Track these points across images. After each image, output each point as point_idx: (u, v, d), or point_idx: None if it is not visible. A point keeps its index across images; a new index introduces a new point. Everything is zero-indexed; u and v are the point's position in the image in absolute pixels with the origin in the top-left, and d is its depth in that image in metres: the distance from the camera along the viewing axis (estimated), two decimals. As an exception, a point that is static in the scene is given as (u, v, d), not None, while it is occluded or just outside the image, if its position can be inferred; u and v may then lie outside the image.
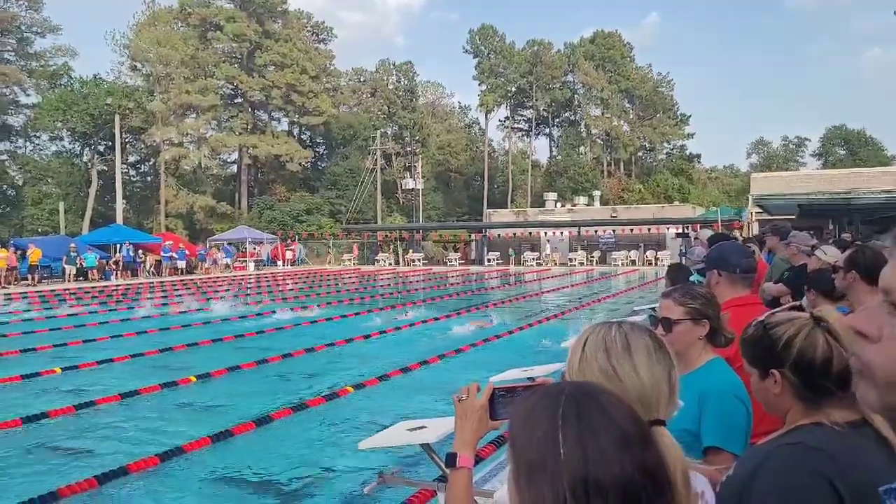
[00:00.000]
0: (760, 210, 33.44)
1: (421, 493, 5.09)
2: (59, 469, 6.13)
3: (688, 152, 72.57)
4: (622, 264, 38.88)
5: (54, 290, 26.02)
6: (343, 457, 6.50)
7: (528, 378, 6.62)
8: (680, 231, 40.94)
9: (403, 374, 9.95)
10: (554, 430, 1.00)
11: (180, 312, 18.10)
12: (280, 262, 41.90)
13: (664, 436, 1.33)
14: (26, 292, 25.40)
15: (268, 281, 30.87)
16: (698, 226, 22.46)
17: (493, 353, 11.63)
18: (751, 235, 26.13)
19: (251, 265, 39.48)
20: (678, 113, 70.39)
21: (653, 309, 10.55)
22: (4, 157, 51.72)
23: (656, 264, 38.56)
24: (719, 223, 25.62)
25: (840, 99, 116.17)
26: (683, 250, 39.56)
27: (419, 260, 42.33)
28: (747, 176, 67.51)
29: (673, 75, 72.58)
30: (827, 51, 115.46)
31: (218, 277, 33.53)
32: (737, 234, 25.31)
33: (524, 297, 22.35)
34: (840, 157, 70.04)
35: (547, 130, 70.31)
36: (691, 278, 6.20)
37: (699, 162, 74.44)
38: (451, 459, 1.66)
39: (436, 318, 15.99)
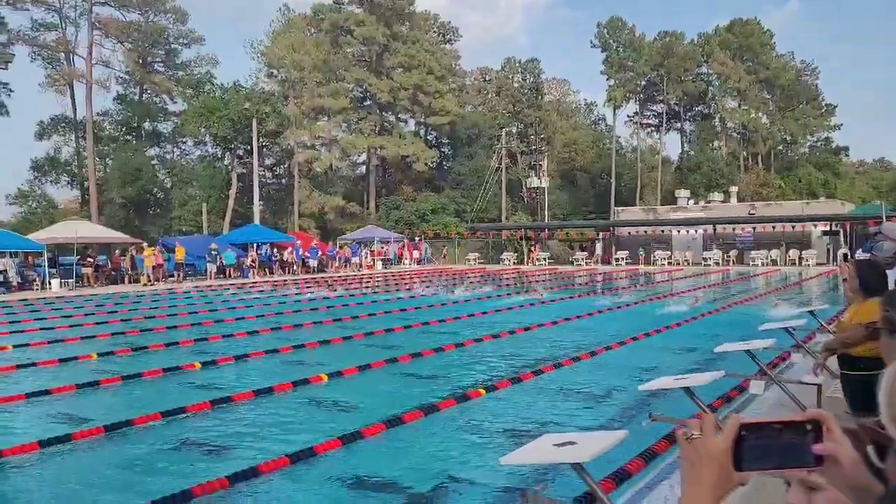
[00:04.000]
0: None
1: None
2: (194, 466, 6.10)
3: (834, 145, 67.36)
4: (762, 264, 36.43)
5: (197, 287, 27.44)
6: (475, 466, 6.10)
7: (685, 388, 5.95)
8: (828, 228, 38.07)
9: (536, 378, 9.45)
10: None
11: (311, 310, 18.43)
12: (407, 261, 42.38)
13: None
14: (172, 288, 26.94)
15: (395, 279, 31.20)
16: (873, 222, 20.28)
17: (632, 357, 10.90)
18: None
19: (378, 264, 40.17)
20: (823, 103, 65.42)
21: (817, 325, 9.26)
22: (155, 161, 55.57)
23: (800, 264, 35.91)
24: (884, 218, 23.22)
25: None
26: (831, 248, 36.67)
27: (545, 259, 41.54)
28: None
29: (818, 63, 67.56)
30: None
31: (348, 276, 34.29)
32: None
33: (657, 298, 21.18)
34: None
35: (678, 125, 67.38)
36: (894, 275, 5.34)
37: (846, 155, 68.92)
38: None
39: (567, 319, 15.36)
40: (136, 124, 55.50)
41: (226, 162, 55.81)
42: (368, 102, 58.45)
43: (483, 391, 8.47)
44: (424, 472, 5.92)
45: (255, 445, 6.65)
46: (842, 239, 37.01)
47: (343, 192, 58.03)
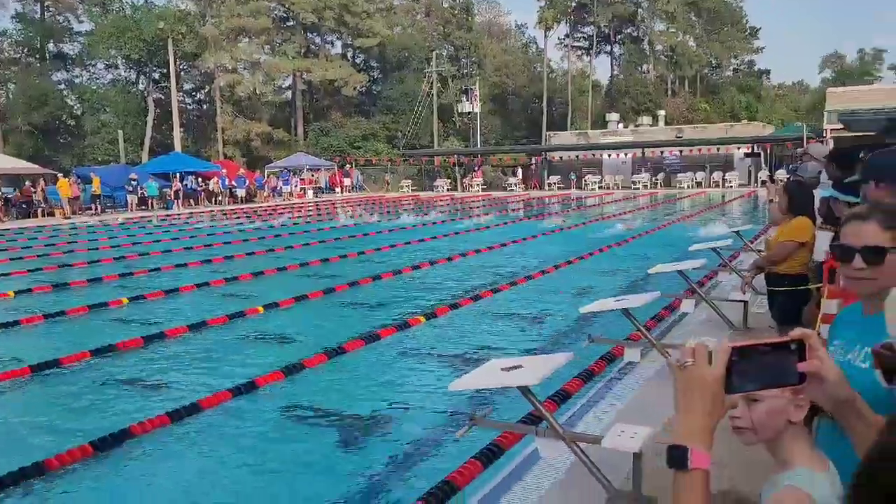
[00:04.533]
0: (839, 127, 31.48)
1: (507, 435, 4.67)
2: (130, 404, 5.91)
3: (756, 68, 69.00)
4: (688, 187, 37.48)
5: (118, 220, 26.37)
6: (418, 392, 6.14)
7: (623, 309, 6.06)
8: (750, 151, 39.26)
9: (475, 303, 9.52)
10: None
11: (243, 241, 17.99)
12: (338, 189, 41.71)
13: None
14: (91, 222, 25.81)
15: (327, 208, 30.73)
16: (791, 143, 20.95)
17: (568, 280, 11.09)
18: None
19: (309, 193, 39.41)
20: (747, 25, 66.48)
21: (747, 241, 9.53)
22: (62, 86, 52.24)
23: (724, 186, 37.08)
24: (804, 139, 24.06)
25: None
26: (752, 170, 37.93)
27: (478, 185, 41.56)
28: (817, 92, 63.77)
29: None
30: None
31: (278, 205, 33.56)
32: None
33: (590, 222, 21.54)
34: (921, 70, 65.51)
35: (608, 48, 67.38)
36: (823, 194, 5.47)
37: (768, 78, 70.77)
38: (678, 456, 1.13)
39: (503, 244, 15.47)
40: (39, 46, 51.72)
41: (140, 87, 52.95)
42: (292, 23, 56.00)
43: (423, 318, 8.48)
44: (369, 400, 5.91)
45: (193, 381, 6.49)
46: (762, 161, 38.26)
47: (269, 118, 56.16)
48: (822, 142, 18.81)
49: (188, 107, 56.80)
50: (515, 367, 4.23)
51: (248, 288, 11.23)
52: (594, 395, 5.57)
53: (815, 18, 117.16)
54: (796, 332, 1.18)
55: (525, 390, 4.05)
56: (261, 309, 9.18)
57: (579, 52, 67.81)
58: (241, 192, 35.18)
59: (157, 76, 51.29)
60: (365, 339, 7.51)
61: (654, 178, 39.18)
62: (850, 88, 40.73)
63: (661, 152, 40.70)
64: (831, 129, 33.32)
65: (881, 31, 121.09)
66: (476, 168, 44.03)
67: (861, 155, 5.88)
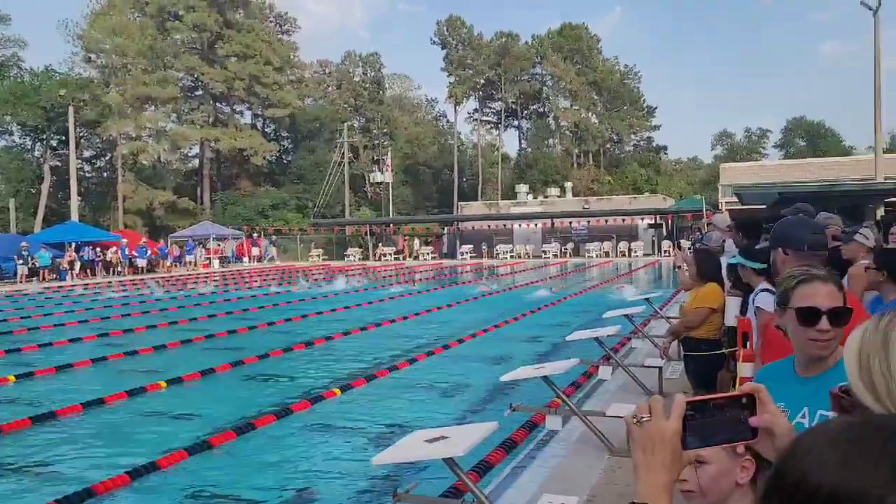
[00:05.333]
0: (733, 200, 33.48)
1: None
2: (14, 492, 5.32)
3: (654, 144, 73.06)
4: (596, 256, 38.66)
5: (4, 292, 24.71)
6: (336, 469, 5.82)
7: (544, 377, 6.00)
8: (653, 221, 41.12)
9: (391, 374, 9.27)
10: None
11: (143, 313, 17.10)
12: (246, 259, 40.71)
13: None
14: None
15: (234, 279, 29.85)
16: (710, 213, 21.98)
17: (485, 348, 11.02)
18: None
19: (216, 262, 38.29)
20: (644, 105, 70.64)
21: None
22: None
23: (629, 255, 38.45)
24: (704, 211, 25.39)
25: (800, 91, 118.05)
26: (655, 240, 39.63)
27: (390, 254, 41.53)
28: (710, 167, 68.06)
29: (639, 68, 72.69)
30: (786, 43, 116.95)
31: (181, 276, 32.34)
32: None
33: (503, 290, 21.73)
34: (801, 148, 71.00)
35: (516, 123, 70.02)
36: (730, 260, 5.67)
37: (666, 153, 75.01)
38: None
39: (416, 313, 15.32)
40: (-74, 110, 48.99)
41: (36, 153, 50.77)
42: (200, 92, 55.48)
43: (338, 391, 8.17)
44: (283, 479, 5.56)
45: (87, 464, 5.94)
46: (664, 231, 40.05)
47: (174, 186, 54.75)
48: (722, 213, 19.90)
49: (87, 175, 54.73)
50: (440, 438, 4.06)
51: (150, 362, 10.58)
52: (517, 464, 5.43)
53: (705, 100, 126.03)
54: (747, 386, 1.15)
55: (451, 462, 3.88)
56: (163, 384, 8.64)
57: (488, 126, 70.15)
58: (141, 263, 33.74)
59: (55, 143, 49.35)
60: (277, 414, 7.14)
61: (563, 248, 40.24)
62: (741, 164, 43.61)
63: (570, 223, 41.98)
64: (726, 202, 35.40)
65: (766, 113, 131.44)
66: (403, 238, 44.24)
67: (764, 225, 6.19)
